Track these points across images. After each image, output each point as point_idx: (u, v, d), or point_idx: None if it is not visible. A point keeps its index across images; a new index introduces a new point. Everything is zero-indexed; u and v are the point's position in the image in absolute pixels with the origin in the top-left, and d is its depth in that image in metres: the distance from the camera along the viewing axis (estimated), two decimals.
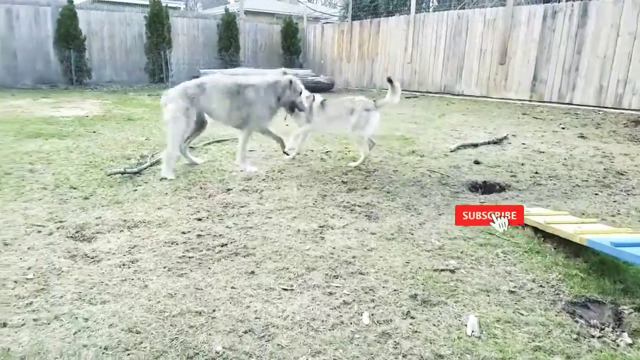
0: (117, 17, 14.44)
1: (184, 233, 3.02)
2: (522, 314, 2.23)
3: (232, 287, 2.35)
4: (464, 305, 2.29)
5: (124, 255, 2.68)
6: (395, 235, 3.15)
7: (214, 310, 2.13)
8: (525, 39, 11.07)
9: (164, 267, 2.53)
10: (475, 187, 4.52)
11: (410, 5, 14.10)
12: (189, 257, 2.67)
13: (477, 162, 5.24)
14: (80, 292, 2.24)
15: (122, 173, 4.21)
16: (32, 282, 2.30)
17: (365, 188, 4.21)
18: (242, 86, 4.49)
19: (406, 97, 12.79)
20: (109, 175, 4.18)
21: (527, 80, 11.11)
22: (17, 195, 3.64)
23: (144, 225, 3.14)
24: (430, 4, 16.93)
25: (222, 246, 2.84)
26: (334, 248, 2.88)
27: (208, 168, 4.70)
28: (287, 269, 2.58)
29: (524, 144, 6.35)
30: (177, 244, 2.85)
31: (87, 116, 7.72)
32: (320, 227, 3.24)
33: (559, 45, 10.34)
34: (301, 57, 17.76)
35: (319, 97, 5.08)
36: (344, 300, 2.27)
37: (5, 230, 2.94)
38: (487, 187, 4.54)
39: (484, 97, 12.05)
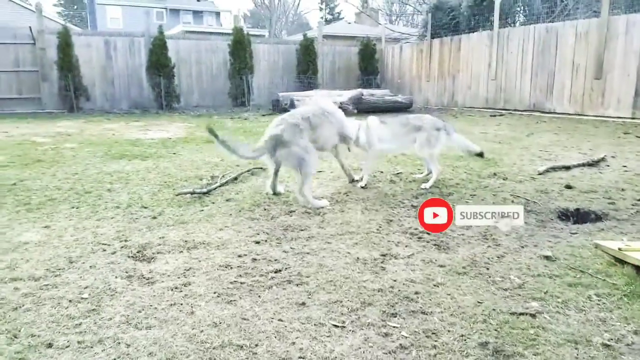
0: (203, 45, 15.45)
1: (239, 256, 2.94)
2: None
3: (280, 320, 2.20)
4: (545, 359, 1.92)
5: (178, 278, 2.65)
6: (468, 269, 2.82)
7: (256, 345, 1.98)
8: (624, 50, 9.97)
9: (214, 293, 2.45)
10: (565, 216, 3.99)
11: (493, 20, 13.43)
12: (241, 283, 2.57)
13: (568, 187, 4.66)
14: (128, 315, 2.21)
15: (192, 193, 4.31)
16: (86, 302, 2.33)
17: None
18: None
19: (491, 115, 12.08)
20: (177, 195, 4.30)
21: (627, 95, 9.95)
22: (92, 213, 3.85)
23: (203, 247, 3.12)
24: (517, 19, 16.01)
25: (275, 272, 2.72)
26: (394, 281, 2.62)
27: None
28: (341, 302, 2.38)
29: (625, 166, 5.58)
30: (231, 267, 2.78)
31: (170, 138, 8.19)
32: (382, 255, 3.00)
33: None
34: (379, 78, 17.66)
35: (373, 118, 4.91)
36: (400, 344, 2.01)
37: (74, 247, 3.08)
38: (579, 216, 3.98)
39: (579, 114, 11.00)
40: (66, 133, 8.77)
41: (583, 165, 5.64)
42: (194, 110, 14.19)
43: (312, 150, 4.19)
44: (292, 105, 13.10)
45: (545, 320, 2.23)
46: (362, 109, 13.04)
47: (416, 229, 3.50)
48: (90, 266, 2.78)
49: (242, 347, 1.96)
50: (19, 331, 2.07)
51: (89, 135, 8.70)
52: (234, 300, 2.38)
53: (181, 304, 2.35)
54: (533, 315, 2.26)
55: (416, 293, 2.48)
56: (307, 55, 16.17)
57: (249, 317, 2.22)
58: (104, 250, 3.05)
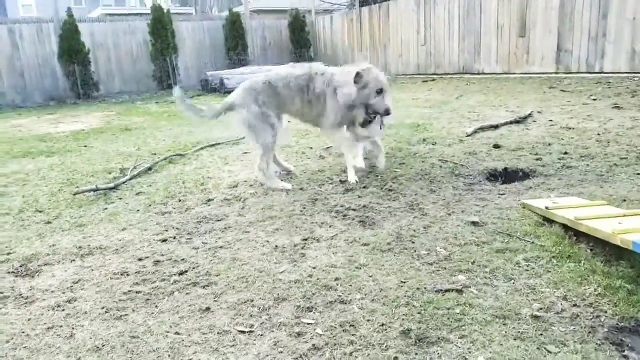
0: (120, 27, 14.28)
1: (140, 260, 2.58)
2: (549, 351, 1.68)
3: (177, 333, 1.89)
4: (471, 342, 1.75)
5: (63, 293, 2.26)
6: (393, 245, 2.62)
7: None
8: (544, 7, 10.18)
9: (102, 308, 2.09)
10: (494, 176, 3.92)
11: None
12: (136, 292, 2.22)
13: (496, 146, 4.61)
14: None
15: (94, 190, 3.82)
16: None
17: (364, 187, 3.68)
18: None
19: (422, 81, 12.09)
20: (74, 194, 3.80)
21: (550, 51, 10.22)
22: None
23: (100, 252, 2.72)
24: None
25: (180, 274, 2.39)
26: (314, 268, 2.38)
27: (193, 177, 4.27)
28: (252, 301, 2.10)
29: (550, 120, 5.64)
30: (127, 274, 2.41)
31: (83, 130, 7.45)
32: (304, 240, 2.74)
33: (582, 10, 9.42)
34: (311, 50, 17.22)
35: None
36: (313, 345, 1.77)
37: None
38: (508, 175, 3.93)
39: (506, 73, 11.22)
40: None
41: (510, 122, 5.66)
42: (116, 97, 13.17)
43: (269, 119, 3.74)
44: (222, 85, 12.47)
45: (472, 294, 2.07)
46: None
47: (342, 206, 3.28)
48: None
49: None
50: None
51: None
52: (125, 315, 2.03)
53: (60, 327, 1.97)
54: (459, 291, 2.10)
55: (336, 279, 2.25)
56: (234, 31, 15.41)
57: (139, 333, 1.89)
58: None
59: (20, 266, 2.60)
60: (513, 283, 2.15)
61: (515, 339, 1.75)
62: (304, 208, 3.30)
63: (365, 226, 2.92)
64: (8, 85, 12.77)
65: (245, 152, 5.14)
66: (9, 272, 2.53)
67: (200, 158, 5.01)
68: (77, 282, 2.36)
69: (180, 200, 3.62)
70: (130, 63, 14.41)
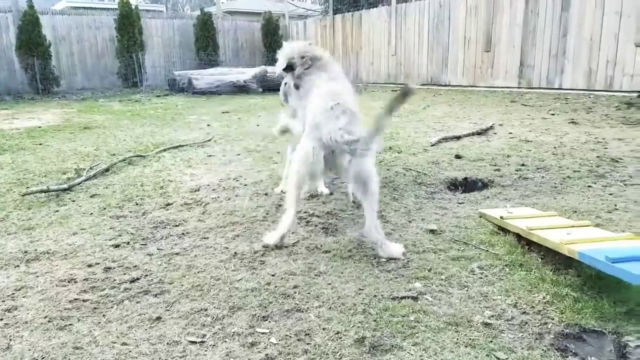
0: (85, 20, 13.83)
1: (89, 266, 2.47)
2: (498, 358, 1.70)
3: (124, 343, 1.81)
4: (424, 350, 1.76)
5: (3, 302, 2.13)
6: (354, 252, 2.62)
7: None
8: (509, 24, 10.56)
9: (45, 317, 1.99)
10: (454, 185, 4.00)
11: None
12: (83, 301, 2.12)
13: (458, 157, 4.72)
14: None
15: (45, 191, 3.65)
16: None
17: (330, 193, 3.68)
18: None
19: (392, 90, 12.27)
20: (24, 195, 3.62)
21: (513, 66, 10.61)
22: None
23: (46, 258, 2.59)
24: None
25: (131, 282, 2.30)
26: (272, 276, 2.34)
27: (153, 179, 4.15)
28: (205, 310, 2.04)
29: (510, 133, 5.84)
30: (75, 281, 2.31)
31: (40, 127, 7.14)
32: (265, 247, 2.70)
33: (544, 28, 9.84)
34: None
35: None
36: (266, 354, 1.73)
37: None
38: (467, 185, 4.02)
39: (471, 86, 11.55)
40: None
41: (472, 134, 5.81)
42: (78, 94, 12.70)
43: None
44: (190, 85, 12.26)
45: (427, 302, 2.09)
46: (267, 87, 12.59)
47: (306, 212, 3.26)
48: None
49: None
50: None
51: None
52: (69, 325, 1.93)
53: None
54: (415, 298, 2.11)
55: (295, 287, 2.22)
56: (205, 31, 15.21)
57: (83, 344, 1.80)
58: None
59: None
60: (467, 290, 2.19)
61: (466, 346, 1.77)
62: (267, 214, 3.26)
63: (328, 233, 2.91)
64: None
65: (210, 155, 5.06)
66: None
67: (162, 160, 4.88)
68: (19, 290, 2.24)
69: (137, 204, 3.51)
70: (95, 59, 13.96)
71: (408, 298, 2.12)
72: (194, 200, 3.58)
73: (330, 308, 2.05)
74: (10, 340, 1.84)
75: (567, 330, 1.88)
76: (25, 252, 2.66)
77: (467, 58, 11.69)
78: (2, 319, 1.98)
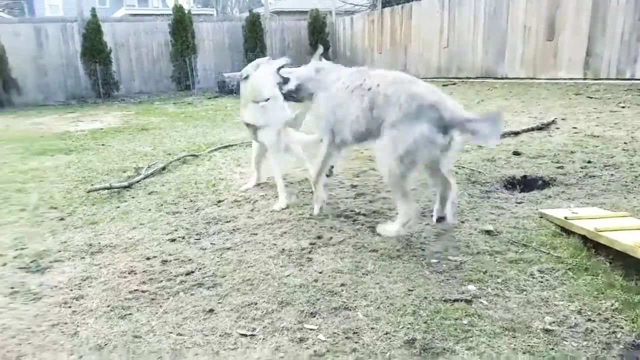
0: (141, 27, 14.48)
1: (148, 259, 2.58)
2: None
3: (179, 334, 1.87)
4: (478, 355, 1.69)
5: (71, 291, 2.27)
6: (402, 252, 2.56)
7: None
8: (575, 9, 9.90)
9: (108, 306, 2.10)
10: (512, 184, 3.81)
11: None
12: (142, 292, 2.22)
13: (516, 153, 4.50)
14: None
15: (108, 188, 3.86)
16: None
17: (377, 192, 3.63)
18: None
19: (443, 85, 11.94)
20: (88, 192, 3.84)
21: (579, 56, 9.92)
22: None
23: (109, 250, 2.74)
24: None
25: (186, 275, 2.38)
26: (320, 273, 2.34)
27: (205, 177, 4.27)
28: (255, 304, 2.07)
29: (575, 127, 5.48)
30: (135, 273, 2.42)
31: (102, 129, 7.57)
32: (312, 244, 2.71)
33: (616, 13, 9.12)
34: (330, 52, 17.19)
35: None
36: (315, 351, 1.73)
37: None
38: (526, 183, 3.81)
39: (531, 78, 10.95)
40: None
41: (532, 129, 5.52)
42: (136, 98, 13.34)
43: None
44: (239, 87, 12.52)
45: (481, 305, 2.01)
46: None
47: (352, 210, 3.23)
48: None
49: None
50: None
51: (14, 131, 7.95)
52: (129, 314, 2.03)
53: (65, 324, 1.98)
54: (469, 301, 2.04)
55: (342, 285, 2.21)
56: (253, 32, 15.46)
57: (142, 333, 1.88)
58: None
59: (31, 262, 2.63)
60: (525, 295, 2.08)
61: (524, 353, 1.68)
62: (313, 212, 3.26)
63: (375, 232, 2.86)
64: (32, 83, 13.05)
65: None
66: (20, 268, 2.56)
67: (213, 159, 5.02)
68: (85, 280, 2.38)
69: (191, 201, 3.63)
70: (151, 64, 14.59)
71: (461, 301, 2.04)
72: (243, 197, 3.65)
73: (378, 308, 2.01)
74: (78, 326, 1.95)
75: (639, 341, 1.74)
76: (90, 245, 2.82)
77: (526, 48, 11.09)
78: (70, 307, 2.12)
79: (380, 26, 15.61)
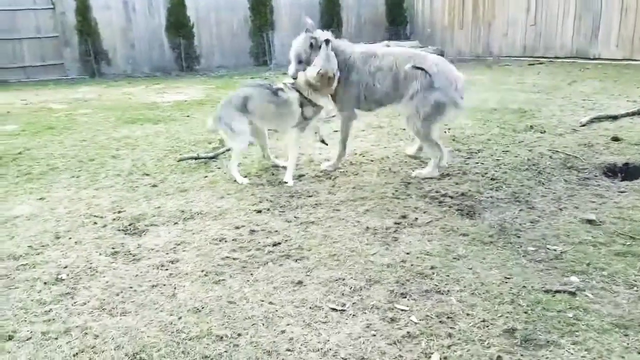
0: (222, 2, 14.82)
1: (237, 228, 2.67)
2: None
3: (271, 303, 1.92)
4: (586, 351, 1.57)
5: (167, 254, 2.40)
6: (495, 237, 2.44)
7: (239, 335, 1.72)
8: None
9: (202, 271, 2.20)
10: (612, 171, 3.49)
11: None
12: (233, 259, 2.30)
13: (616, 139, 4.10)
14: (104, 300, 1.99)
15: (196, 158, 4.03)
16: (61, 284, 2.12)
17: (463, 173, 3.48)
18: None
19: (529, 64, 11.14)
20: (179, 161, 4.03)
21: None
22: (91, 182, 3.64)
23: (200, 217, 2.86)
24: None
25: (274, 245, 2.43)
26: (407, 254, 2.29)
27: (285, 151, 4.32)
28: (343, 279, 2.07)
29: None
30: (225, 241, 2.51)
31: (186, 101, 7.91)
32: (396, 224, 2.65)
33: None
34: (408, 29, 16.64)
35: None
36: (408, 332, 1.70)
37: (64, 221, 2.88)
38: (629, 171, 3.47)
39: (627, 59, 9.93)
40: (83, 99, 8.62)
41: (633, 114, 5.00)
42: (216, 71, 13.80)
43: None
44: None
45: (587, 299, 1.86)
46: None
47: (437, 192, 3.12)
48: (76, 242, 2.57)
49: (222, 337, 1.70)
50: None
51: (106, 100, 8.53)
52: (223, 280, 2.11)
53: (164, 285, 2.10)
54: (572, 294, 1.90)
55: (432, 268, 2.14)
56: (330, 8, 15.31)
57: (236, 300, 1.95)
58: (95, 223, 2.84)
59: (129, 225, 2.82)
60: (637, 290, 1.91)
61: (639, 353, 1.54)
62: (396, 191, 3.19)
63: (464, 215, 2.75)
64: (121, 55, 13.89)
65: (336, 131, 5.10)
66: (119, 230, 2.76)
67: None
68: (179, 244, 2.51)
69: (273, 174, 3.69)
70: (230, 38, 14.95)
71: (564, 292, 1.91)
72: (324, 173, 3.65)
73: (472, 294, 1.93)
74: (175, 288, 2.06)
75: None
76: (182, 211, 2.97)
77: (623, 27, 10.04)
78: (167, 269, 2.24)
79: (461, 2, 14.78)
